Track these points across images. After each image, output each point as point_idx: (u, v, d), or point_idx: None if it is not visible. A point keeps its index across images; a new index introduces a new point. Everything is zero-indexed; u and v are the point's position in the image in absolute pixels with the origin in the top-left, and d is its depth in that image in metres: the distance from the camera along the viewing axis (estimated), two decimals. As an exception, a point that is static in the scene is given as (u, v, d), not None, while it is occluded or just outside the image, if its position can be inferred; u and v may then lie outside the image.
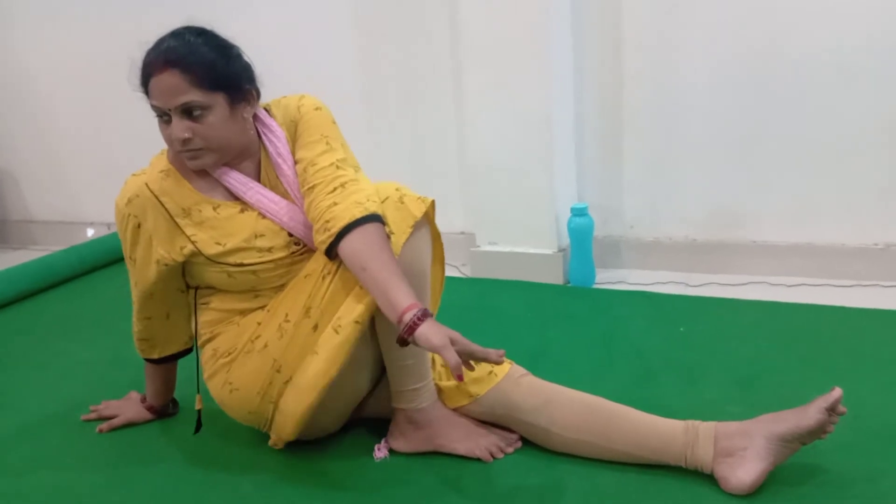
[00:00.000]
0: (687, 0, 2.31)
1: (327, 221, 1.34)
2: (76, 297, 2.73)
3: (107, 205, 1.56)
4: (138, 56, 1.37)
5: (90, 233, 3.42)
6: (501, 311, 2.28)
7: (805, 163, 2.31)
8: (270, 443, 1.51)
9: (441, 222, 1.50)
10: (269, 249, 1.44)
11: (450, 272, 2.46)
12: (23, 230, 3.64)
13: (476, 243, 2.62)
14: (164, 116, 1.37)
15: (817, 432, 1.26)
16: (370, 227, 1.32)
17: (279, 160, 1.46)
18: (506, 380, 1.48)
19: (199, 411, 1.57)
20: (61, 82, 3.35)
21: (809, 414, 1.26)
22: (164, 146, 1.46)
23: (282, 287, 1.46)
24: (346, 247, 1.32)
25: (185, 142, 1.37)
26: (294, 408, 1.40)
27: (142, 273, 1.47)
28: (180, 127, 1.35)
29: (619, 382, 1.72)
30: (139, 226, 1.43)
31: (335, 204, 1.35)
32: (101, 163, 3.36)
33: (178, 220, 1.43)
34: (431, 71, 2.67)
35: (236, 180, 1.45)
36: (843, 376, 1.65)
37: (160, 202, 1.42)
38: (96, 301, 2.65)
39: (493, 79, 2.40)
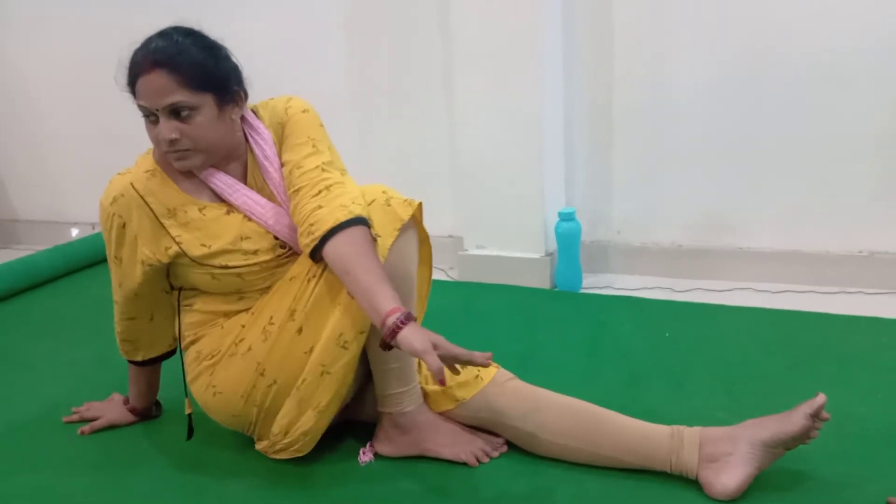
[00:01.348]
0: (677, 4, 2.32)
1: (312, 224, 1.33)
2: (60, 297, 2.70)
3: (92, 205, 1.54)
4: (125, 56, 1.35)
5: (74, 233, 3.39)
6: (488, 314, 2.28)
7: (791, 170, 2.33)
8: (258, 447, 1.49)
9: (429, 225, 1.49)
10: (255, 252, 1.43)
11: (437, 275, 2.43)
12: (7, 229, 3.61)
13: (464, 247, 2.61)
14: (150, 116, 1.36)
15: (801, 438, 1.27)
16: (355, 231, 1.31)
17: (265, 163, 1.46)
18: (492, 384, 1.48)
19: (189, 416, 1.56)
20: (50, 82, 3.31)
21: (793, 420, 1.27)
22: (151, 146, 1.44)
23: (267, 289, 1.45)
24: (330, 250, 1.31)
25: (173, 142, 1.36)
26: (316, 427, 1.42)
27: (127, 273, 1.46)
28: (168, 127, 1.34)
29: (606, 387, 1.73)
30: (124, 225, 1.42)
31: (320, 207, 1.34)
32: (88, 163, 3.33)
33: (163, 220, 1.42)
34: (423, 74, 2.66)
35: (223, 182, 1.44)
36: (828, 382, 1.66)
37: (145, 202, 1.41)
38: (80, 301, 2.63)
39: (484, 82, 2.40)
